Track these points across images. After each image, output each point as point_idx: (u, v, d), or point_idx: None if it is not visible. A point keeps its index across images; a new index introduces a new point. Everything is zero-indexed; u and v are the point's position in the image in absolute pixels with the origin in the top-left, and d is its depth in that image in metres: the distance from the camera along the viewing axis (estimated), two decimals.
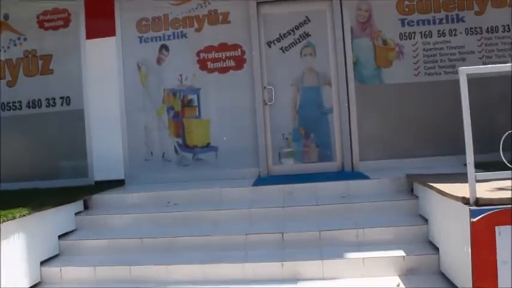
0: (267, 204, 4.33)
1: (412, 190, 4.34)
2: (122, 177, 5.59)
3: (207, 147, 5.49)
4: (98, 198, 4.79)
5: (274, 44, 5.46)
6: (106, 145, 5.62)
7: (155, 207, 4.60)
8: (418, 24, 5.32)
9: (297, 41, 5.42)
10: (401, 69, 5.31)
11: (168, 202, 4.66)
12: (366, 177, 4.68)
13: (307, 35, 5.42)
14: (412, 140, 5.28)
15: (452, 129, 4.89)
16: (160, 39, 5.59)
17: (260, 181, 5.00)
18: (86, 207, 4.71)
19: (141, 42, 5.63)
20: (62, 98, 5.80)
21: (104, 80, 5.65)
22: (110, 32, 5.66)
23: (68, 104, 5.80)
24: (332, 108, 5.36)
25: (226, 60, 5.48)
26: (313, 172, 5.26)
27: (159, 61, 5.59)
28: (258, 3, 5.43)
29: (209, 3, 5.52)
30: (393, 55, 5.33)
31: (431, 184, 3.62)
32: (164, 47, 5.58)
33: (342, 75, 5.31)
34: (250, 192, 4.62)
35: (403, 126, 5.28)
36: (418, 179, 4.13)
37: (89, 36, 5.74)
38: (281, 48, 5.45)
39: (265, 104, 5.40)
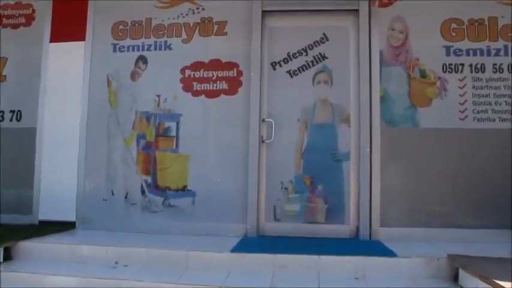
0: (248, 281, 3.28)
1: (456, 278, 3.26)
2: (73, 218, 4.64)
3: (183, 190, 4.49)
4: (25, 247, 3.85)
5: (280, 65, 4.52)
6: (58, 176, 4.75)
7: (98, 267, 3.59)
8: (467, 54, 4.34)
9: (310, 64, 4.48)
10: (443, 111, 4.30)
11: (116, 263, 3.67)
12: (389, 253, 3.58)
13: (323, 57, 4.47)
14: (450, 205, 4.24)
15: (504, 195, 4.12)
16: (138, 49, 4.71)
17: (245, 244, 3.95)
18: (7, 257, 3.75)
19: (115, 50, 4.77)
20: (12, 111, 4.99)
21: (65, 94, 4.85)
22: (79, 35, 4.83)
23: (19, 119, 4.97)
24: (349, 154, 4.36)
25: (218, 82, 4.55)
26: (317, 237, 4.23)
27: (133, 76, 4.69)
28: (263, 13, 4.53)
29: (203, 9, 4.65)
30: (433, 91, 4.33)
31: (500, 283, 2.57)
32: (142, 59, 4.70)
33: (364, 112, 4.33)
34: (229, 261, 3.56)
35: (440, 186, 4.25)
36: (469, 266, 3.06)
37: (54, 38, 4.98)
38: (288, 72, 4.50)
39: (262, 141, 4.42)
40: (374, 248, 3.87)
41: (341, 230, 4.30)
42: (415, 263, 3.40)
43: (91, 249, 3.81)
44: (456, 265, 3.24)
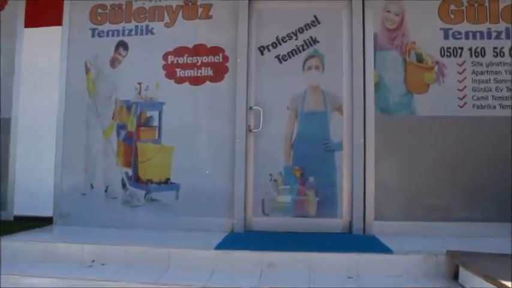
0: (233, 281, 3.03)
1: (456, 277, 3.04)
2: (50, 213, 4.39)
3: (166, 183, 4.24)
4: None
5: (269, 50, 4.26)
6: (34, 169, 4.48)
7: (73, 266, 3.34)
8: (467, 37, 4.10)
9: (300, 48, 4.22)
10: (441, 98, 4.06)
11: (93, 261, 3.43)
12: (385, 249, 3.35)
13: (314, 41, 4.22)
14: (448, 197, 4.02)
15: (504, 187, 3.91)
16: (118, 34, 4.44)
17: (231, 240, 3.71)
18: None
19: (93, 35, 4.49)
20: None
21: (41, 83, 4.57)
22: (56, 20, 4.55)
23: None
24: (341, 144, 4.12)
25: (203, 68, 4.29)
26: (308, 231, 4.00)
27: (113, 62, 4.42)
28: None
29: None
30: (431, 77, 4.09)
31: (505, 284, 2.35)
32: (122, 45, 4.42)
33: (358, 99, 4.08)
34: (213, 259, 3.31)
35: (438, 177, 4.02)
36: (470, 264, 2.84)
37: (29, 23, 4.68)
38: (277, 57, 4.24)
39: (250, 130, 4.17)
40: (368, 243, 3.64)
41: (333, 224, 4.07)
42: (413, 260, 3.18)
43: (66, 247, 3.54)
44: (456, 262, 3.02)
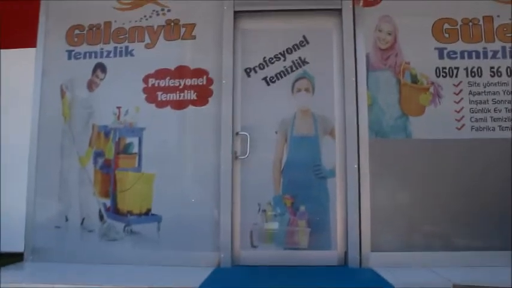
0: None
1: None
2: (21, 249, 4.04)
3: (147, 215, 3.92)
4: None
5: (256, 72, 4.03)
6: (4, 200, 4.14)
7: None
8: (462, 56, 3.93)
9: (289, 70, 4.01)
10: (438, 120, 3.86)
11: None
12: (385, 285, 3.08)
13: (303, 62, 4.01)
14: (448, 225, 3.77)
15: (505, 213, 3.73)
16: (96, 56, 4.18)
17: (216, 278, 3.40)
18: None
19: (70, 58, 4.22)
20: None
21: (14, 107, 4.25)
22: (30, 41, 4.27)
23: None
24: (334, 170, 3.87)
25: (185, 91, 4.03)
26: (301, 265, 3.71)
27: (91, 86, 4.15)
28: (236, 13, 4.05)
29: (168, 11, 4.15)
30: (426, 98, 3.89)
31: None
32: (100, 67, 4.17)
33: (351, 122, 3.86)
34: None
35: (437, 204, 3.78)
36: None
37: (3, 44, 4.36)
38: (264, 79, 4.02)
39: (236, 157, 3.91)
40: (366, 278, 3.38)
41: (327, 256, 3.79)
42: None
43: None
44: None
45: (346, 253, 3.76)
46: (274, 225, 3.85)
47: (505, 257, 3.60)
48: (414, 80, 3.93)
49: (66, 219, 4.03)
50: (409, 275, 3.34)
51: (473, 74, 3.90)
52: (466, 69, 3.91)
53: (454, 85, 3.90)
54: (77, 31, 4.25)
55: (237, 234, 3.85)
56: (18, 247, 4.04)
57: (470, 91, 3.88)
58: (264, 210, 3.87)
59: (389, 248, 3.74)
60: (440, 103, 3.89)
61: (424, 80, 3.93)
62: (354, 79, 3.91)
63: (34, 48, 4.28)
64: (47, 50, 4.27)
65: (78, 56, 4.22)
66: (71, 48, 4.24)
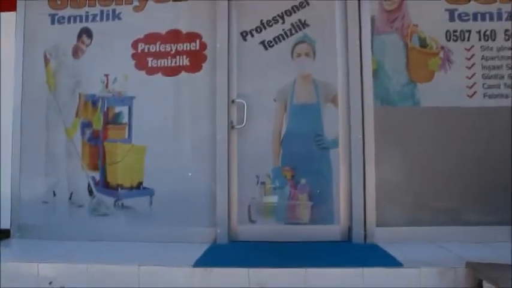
0: None
1: None
2: (7, 225, 3.84)
3: (138, 189, 3.71)
4: None
5: (252, 35, 3.76)
6: None
7: None
8: (475, 18, 3.65)
9: (288, 33, 3.72)
10: (448, 86, 3.60)
11: (50, 283, 2.91)
12: (392, 262, 2.87)
13: (304, 24, 3.73)
14: (457, 198, 3.57)
15: None
16: (81, 20, 3.89)
17: (213, 254, 3.20)
18: None
19: (53, 22, 3.93)
20: None
21: None
22: (9, 4, 3.97)
23: None
24: (337, 140, 3.64)
25: (177, 57, 3.77)
26: (302, 240, 3.51)
27: (76, 52, 3.87)
28: None
29: None
30: (436, 63, 3.63)
31: None
32: (86, 32, 3.88)
33: (355, 89, 3.60)
34: (190, 279, 2.81)
35: (446, 176, 3.57)
36: (497, 278, 2.38)
37: None
38: (262, 43, 3.74)
39: (232, 127, 3.67)
40: (372, 254, 3.16)
41: (330, 231, 3.59)
42: (426, 275, 2.72)
43: (18, 267, 3.01)
44: (479, 277, 2.56)
45: (350, 228, 3.57)
46: (273, 199, 3.64)
47: None
48: (423, 44, 3.66)
49: (54, 194, 3.82)
50: (417, 252, 3.14)
51: (486, 38, 3.64)
52: (479, 32, 3.64)
53: (465, 49, 3.64)
54: None
55: (234, 208, 3.64)
56: (4, 224, 3.85)
57: (482, 56, 3.62)
58: (263, 183, 3.65)
59: (396, 223, 3.55)
60: (451, 69, 3.63)
61: (434, 44, 3.66)
62: (358, 43, 3.64)
63: (14, 12, 3.99)
64: (28, 14, 3.97)
65: (62, 21, 3.93)
66: (54, 11, 3.94)
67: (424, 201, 3.58)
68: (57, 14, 3.93)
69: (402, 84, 3.64)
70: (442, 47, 3.66)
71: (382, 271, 2.75)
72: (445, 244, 3.34)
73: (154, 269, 2.88)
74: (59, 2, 3.94)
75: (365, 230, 3.54)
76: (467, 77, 3.62)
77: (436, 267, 2.74)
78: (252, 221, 3.65)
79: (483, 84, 3.60)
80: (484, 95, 3.59)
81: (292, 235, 3.58)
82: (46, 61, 3.90)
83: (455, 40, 3.65)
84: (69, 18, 3.92)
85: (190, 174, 3.69)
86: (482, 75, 3.61)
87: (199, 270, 2.85)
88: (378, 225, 3.54)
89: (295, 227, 3.62)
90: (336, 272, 2.77)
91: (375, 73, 3.64)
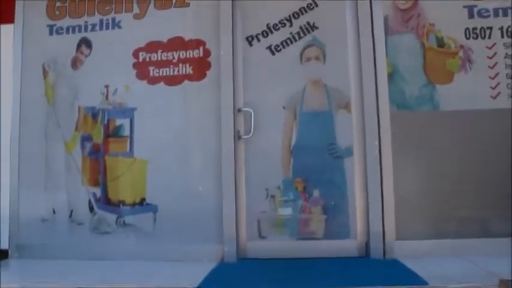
0: None
1: None
2: (6, 246, 3.67)
3: (141, 205, 3.51)
4: None
5: (258, 40, 3.57)
6: None
7: None
8: (496, 14, 3.42)
9: (296, 36, 3.52)
10: (469, 88, 3.37)
11: None
12: (416, 280, 2.61)
13: (312, 27, 3.52)
14: (484, 207, 3.30)
15: None
16: (80, 30, 3.74)
17: (219, 275, 2.97)
18: None
19: (51, 33, 3.79)
20: None
21: None
22: (7, 16, 3.85)
23: None
24: (351, 149, 3.41)
25: (180, 65, 3.59)
26: (316, 256, 3.28)
27: (75, 63, 3.72)
28: None
29: None
30: (455, 64, 3.40)
31: None
32: (85, 42, 3.73)
33: (369, 94, 3.39)
34: None
35: (470, 184, 3.31)
36: None
37: None
38: (269, 48, 3.55)
39: (239, 137, 3.47)
40: (393, 271, 2.91)
41: (346, 246, 3.34)
42: None
43: None
44: None
45: (367, 242, 3.32)
46: (284, 213, 3.41)
47: None
48: (440, 43, 3.44)
49: (54, 212, 3.65)
50: (441, 267, 2.90)
51: (509, 34, 3.39)
52: (501, 29, 3.41)
53: (487, 48, 3.40)
54: (58, 3, 3.82)
55: (242, 224, 3.43)
56: (2, 244, 3.67)
57: (506, 54, 3.38)
58: (273, 196, 3.43)
59: (417, 236, 3.30)
60: (472, 69, 3.40)
61: (452, 43, 3.43)
62: (370, 44, 3.43)
63: (12, 24, 3.86)
64: (26, 26, 3.84)
65: (61, 31, 3.79)
66: (52, 22, 3.81)
67: (447, 211, 3.33)
68: (55, 25, 3.79)
69: (420, 87, 3.41)
70: (462, 46, 3.42)
71: None
72: (473, 258, 3.07)
73: None
74: (57, 12, 3.80)
75: (384, 244, 3.29)
76: (490, 77, 3.37)
77: (464, 284, 2.47)
78: (262, 237, 3.43)
79: (507, 85, 3.34)
80: (509, 96, 3.33)
81: (305, 251, 3.34)
82: (45, 73, 3.75)
83: (476, 38, 3.42)
84: (67, 28, 3.77)
85: (201, 188, 3.49)
86: (507, 74, 3.36)
87: None
88: (397, 239, 3.30)
89: (309, 242, 3.39)
90: None
91: (390, 76, 3.42)
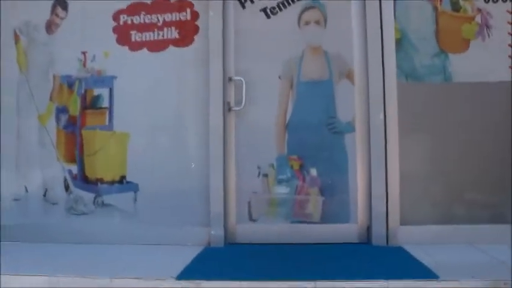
0: None
1: None
2: None
3: (121, 183, 3.22)
4: None
5: (252, 1, 3.21)
6: None
7: None
8: None
9: None
10: (487, 57, 3.06)
11: None
12: (425, 273, 2.32)
13: None
14: (498, 190, 3.01)
15: None
16: None
17: (204, 262, 2.67)
18: None
19: None
20: None
21: None
22: None
23: None
24: (353, 124, 3.11)
25: (165, 29, 3.25)
26: (313, 242, 2.99)
27: (50, 27, 3.37)
28: None
29: None
30: (472, 30, 3.07)
31: None
32: (60, 4, 3.37)
33: (374, 62, 3.06)
34: None
35: (484, 164, 3.02)
36: None
37: None
38: (264, 10, 3.20)
39: (229, 109, 3.15)
40: (396, 260, 2.61)
41: (345, 231, 3.05)
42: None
43: None
44: None
45: (369, 227, 3.04)
46: (278, 193, 3.12)
47: None
48: (455, 7, 3.12)
49: (26, 190, 3.35)
50: (451, 256, 2.64)
51: None
52: None
53: (508, 12, 3.08)
54: None
55: (231, 205, 3.14)
56: None
57: None
58: (266, 175, 3.13)
59: (424, 221, 3.03)
60: (490, 36, 3.09)
61: (469, 6, 3.11)
62: (377, 7, 3.08)
63: None
64: None
65: None
66: None
67: (457, 194, 3.05)
68: None
69: (431, 55, 3.11)
70: (479, 10, 3.10)
71: (414, 284, 2.19)
72: (486, 246, 2.79)
73: (129, 283, 2.36)
74: None
75: (387, 230, 3.00)
76: (509, 45, 3.05)
77: (480, 280, 2.17)
78: (252, 220, 3.14)
79: None
80: None
81: (300, 236, 3.06)
82: (16, 39, 3.41)
83: (496, 1, 3.08)
84: None
85: (193, 165, 3.18)
86: None
87: (184, 283, 2.32)
88: (402, 224, 3.01)
89: (304, 226, 3.10)
90: (353, 286, 2.22)
91: (398, 43, 3.10)
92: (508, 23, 3.05)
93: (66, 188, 3.30)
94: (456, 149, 3.03)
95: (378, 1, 3.09)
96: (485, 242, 2.86)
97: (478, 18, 3.09)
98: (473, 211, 3.00)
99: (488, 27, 3.07)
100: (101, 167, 3.27)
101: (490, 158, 3.00)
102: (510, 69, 3.02)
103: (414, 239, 2.94)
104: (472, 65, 3.06)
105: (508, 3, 3.05)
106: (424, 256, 2.64)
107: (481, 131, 3.03)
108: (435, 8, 3.11)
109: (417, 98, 3.07)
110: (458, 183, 3.03)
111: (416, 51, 3.09)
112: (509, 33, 3.04)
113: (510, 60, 3.02)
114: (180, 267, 2.50)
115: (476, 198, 3.01)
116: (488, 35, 3.07)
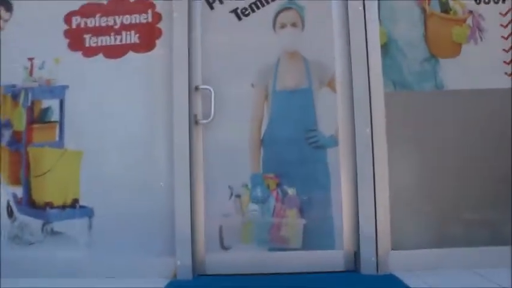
0: None
1: None
2: None
3: (73, 208, 2.84)
4: None
5: (221, 2, 2.93)
6: None
7: None
8: None
9: None
10: (479, 62, 2.84)
11: None
12: None
13: None
14: (498, 209, 2.77)
15: None
16: None
17: None
18: None
19: None
20: None
21: None
22: None
23: None
24: (336, 137, 2.82)
25: (123, 33, 2.93)
26: (294, 271, 2.69)
27: None
28: None
29: None
30: (463, 33, 2.86)
31: None
32: (4, 4, 3.02)
33: (358, 69, 2.80)
34: None
35: (481, 180, 2.77)
36: None
37: None
38: (234, 11, 2.91)
39: (196, 122, 2.82)
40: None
41: (330, 258, 2.74)
42: None
43: None
44: None
45: (356, 253, 2.74)
46: (252, 217, 2.78)
47: None
48: (445, 8, 2.91)
49: None
50: (448, 282, 2.43)
51: None
52: None
53: (501, 14, 2.88)
54: None
55: (200, 230, 2.79)
56: None
57: None
58: (238, 196, 2.81)
59: (417, 245, 2.76)
60: (483, 39, 2.87)
61: (459, 8, 2.90)
62: (361, 8, 2.84)
63: None
64: None
65: None
66: None
67: (453, 214, 2.79)
68: None
69: (420, 60, 2.86)
70: (471, 12, 2.89)
71: None
72: (485, 271, 2.57)
73: None
74: None
75: (377, 256, 2.72)
76: (504, 49, 2.85)
77: None
78: (224, 248, 2.79)
79: None
80: None
81: (278, 265, 2.75)
82: None
83: (487, 2, 2.88)
84: None
85: (162, 184, 2.82)
86: None
87: None
88: (393, 248, 2.74)
89: (283, 254, 2.78)
90: None
91: (384, 48, 2.85)
92: (501, 25, 2.84)
93: (10, 214, 2.90)
94: (451, 164, 2.78)
95: (362, 2, 2.83)
96: (484, 265, 2.63)
97: (469, 21, 2.88)
98: (470, 232, 2.75)
99: (480, 30, 2.85)
100: (50, 190, 2.88)
101: (488, 173, 2.76)
102: (505, 76, 2.79)
103: (407, 265, 2.69)
104: (464, 71, 2.84)
105: (501, 4, 2.85)
106: (419, 283, 2.44)
107: (478, 144, 2.79)
108: (423, 10, 2.88)
109: (406, 107, 2.81)
110: (454, 202, 2.78)
111: (404, 57, 2.84)
112: (502, 36, 2.83)
113: (504, 65, 2.80)
114: None
115: (474, 218, 2.76)
116: (481, 39, 2.85)
